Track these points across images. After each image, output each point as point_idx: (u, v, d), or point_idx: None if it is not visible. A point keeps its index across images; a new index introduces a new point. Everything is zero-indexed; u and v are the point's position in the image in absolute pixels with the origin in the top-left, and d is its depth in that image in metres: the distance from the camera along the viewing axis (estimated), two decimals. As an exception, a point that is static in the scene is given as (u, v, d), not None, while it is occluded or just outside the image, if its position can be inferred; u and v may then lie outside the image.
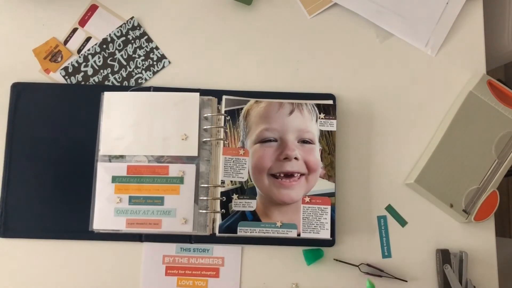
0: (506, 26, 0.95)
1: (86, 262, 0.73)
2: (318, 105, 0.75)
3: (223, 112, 0.74)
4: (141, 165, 0.73)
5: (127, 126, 0.74)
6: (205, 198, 0.72)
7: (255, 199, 0.72)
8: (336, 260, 0.74)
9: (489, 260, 0.75)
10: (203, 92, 0.76)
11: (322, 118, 0.74)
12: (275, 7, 0.82)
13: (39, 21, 0.80)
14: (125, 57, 0.79)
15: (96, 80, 0.78)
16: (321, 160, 0.73)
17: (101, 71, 0.79)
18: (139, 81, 0.79)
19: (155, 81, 0.79)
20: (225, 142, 0.73)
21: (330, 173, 0.73)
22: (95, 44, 0.79)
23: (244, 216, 0.71)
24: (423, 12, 0.81)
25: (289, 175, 0.72)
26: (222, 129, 0.74)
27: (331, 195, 0.72)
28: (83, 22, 0.80)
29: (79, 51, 0.79)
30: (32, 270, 0.73)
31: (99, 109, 0.75)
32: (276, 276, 0.74)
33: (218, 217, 0.71)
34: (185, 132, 0.73)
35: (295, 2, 0.82)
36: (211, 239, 0.73)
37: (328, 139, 0.74)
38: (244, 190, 0.72)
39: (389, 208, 0.76)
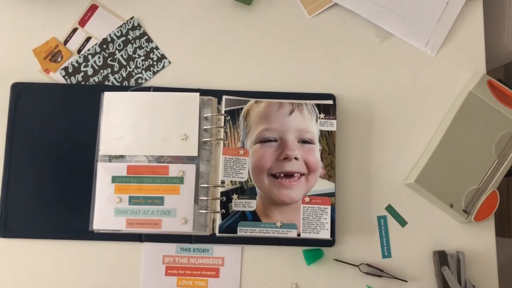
0: (506, 26, 0.95)
1: (86, 262, 0.73)
2: (318, 105, 0.75)
3: (223, 112, 0.74)
4: (141, 165, 0.73)
5: (127, 126, 0.74)
6: (205, 198, 0.72)
7: (255, 199, 0.72)
8: (336, 260, 0.74)
9: (489, 260, 0.75)
10: (203, 92, 0.76)
11: (322, 118, 0.74)
12: (275, 7, 0.82)
13: (39, 21, 0.80)
14: (125, 57, 0.79)
15: (96, 80, 0.78)
16: (321, 160, 0.73)
17: (101, 71, 0.79)
18: (139, 81, 0.79)
19: (155, 81, 0.79)
20: (225, 142, 0.73)
21: (330, 173, 0.73)
22: (95, 44, 0.79)
23: (244, 216, 0.71)
24: (423, 12, 0.81)
25: (289, 175, 0.72)
26: (222, 129, 0.74)
27: (331, 195, 0.72)
28: (83, 22, 0.80)
29: (79, 51, 0.79)
30: (32, 270, 0.73)
31: (99, 109, 0.75)
32: (276, 276, 0.74)
33: (218, 217, 0.71)
34: (185, 132, 0.73)
35: (295, 2, 0.82)
36: (211, 239, 0.73)
37: (328, 139, 0.74)
38: (244, 190, 0.72)
39: (389, 208, 0.76)
